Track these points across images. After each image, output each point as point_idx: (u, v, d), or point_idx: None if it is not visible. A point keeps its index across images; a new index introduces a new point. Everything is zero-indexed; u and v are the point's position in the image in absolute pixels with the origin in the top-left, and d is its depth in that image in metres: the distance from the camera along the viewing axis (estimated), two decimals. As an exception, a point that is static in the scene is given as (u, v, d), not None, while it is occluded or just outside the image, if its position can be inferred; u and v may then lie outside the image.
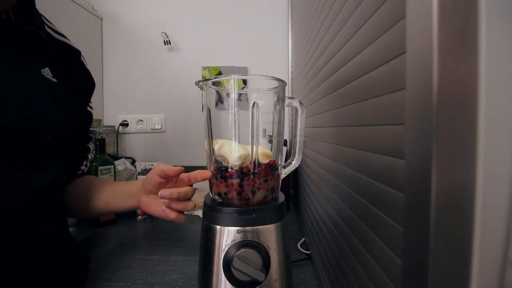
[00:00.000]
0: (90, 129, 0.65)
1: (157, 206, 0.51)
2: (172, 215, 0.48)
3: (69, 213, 0.60)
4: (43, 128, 0.45)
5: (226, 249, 0.39)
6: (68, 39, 0.58)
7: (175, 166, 0.47)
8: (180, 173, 0.47)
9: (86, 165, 0.64)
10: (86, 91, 0.60)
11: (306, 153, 0.75)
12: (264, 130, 0.43)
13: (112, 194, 0.59)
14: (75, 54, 0.58)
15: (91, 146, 0.65)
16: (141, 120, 1.33)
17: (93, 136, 0.65)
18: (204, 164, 0.47)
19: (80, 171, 0.63)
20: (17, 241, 0.41)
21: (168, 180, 0.49)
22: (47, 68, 0.48)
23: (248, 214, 0.39)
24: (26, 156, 0.43)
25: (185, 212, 0.50)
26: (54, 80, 0.49)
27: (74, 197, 0.59)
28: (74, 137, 0.55)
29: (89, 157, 0.64)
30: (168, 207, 0.48)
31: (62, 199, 0.55)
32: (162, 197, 0.46)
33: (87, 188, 0.60)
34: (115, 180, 0.96)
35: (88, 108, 0.61)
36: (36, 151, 0.44)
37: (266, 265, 0.38)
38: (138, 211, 0.95)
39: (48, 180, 0.46)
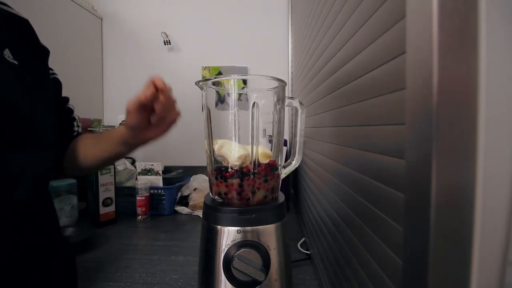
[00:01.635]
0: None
1: (153, 128, 0.47)
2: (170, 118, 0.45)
3: (73, 172, 0.58)
4: (23, 119, 0.43)
5: (226, 249, 0.39)
6: (13, 8, 0.49)
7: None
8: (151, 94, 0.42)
9: (78, 126, 0.61)
10: (44, 62, 0.54)
11: (306, 153, 0.75)
12: (264, 130, 0.43)
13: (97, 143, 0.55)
14: (25, 24, 0.51)
15: (72, 106, 0.61)
16: (141, 120, 1.33)
17: (68, 97, 0.61)
18: (204, 164, 0.47)
19: (75, 133, 0.60)
20: (19, 239, 0.42)
21: (144, 109, 0.45)
22: (7, 50, 0.43)
23: (248, 214, 0.39)
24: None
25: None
26: (15, 62, 0.44)
27: (74, 158, 0.56)
28: (57, 115, 0.52)
29: (76, 117, 0.61)
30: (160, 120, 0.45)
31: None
32: (161, 90, 0.42)
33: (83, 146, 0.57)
34: (115, 181, 0.96)
35: (54, 76, 0.56)
36: (29, 141, 0.43)
37: (266, 265, 0.38)
38: (138, 211, 0.95)
39: (42, 170, 0.45)
